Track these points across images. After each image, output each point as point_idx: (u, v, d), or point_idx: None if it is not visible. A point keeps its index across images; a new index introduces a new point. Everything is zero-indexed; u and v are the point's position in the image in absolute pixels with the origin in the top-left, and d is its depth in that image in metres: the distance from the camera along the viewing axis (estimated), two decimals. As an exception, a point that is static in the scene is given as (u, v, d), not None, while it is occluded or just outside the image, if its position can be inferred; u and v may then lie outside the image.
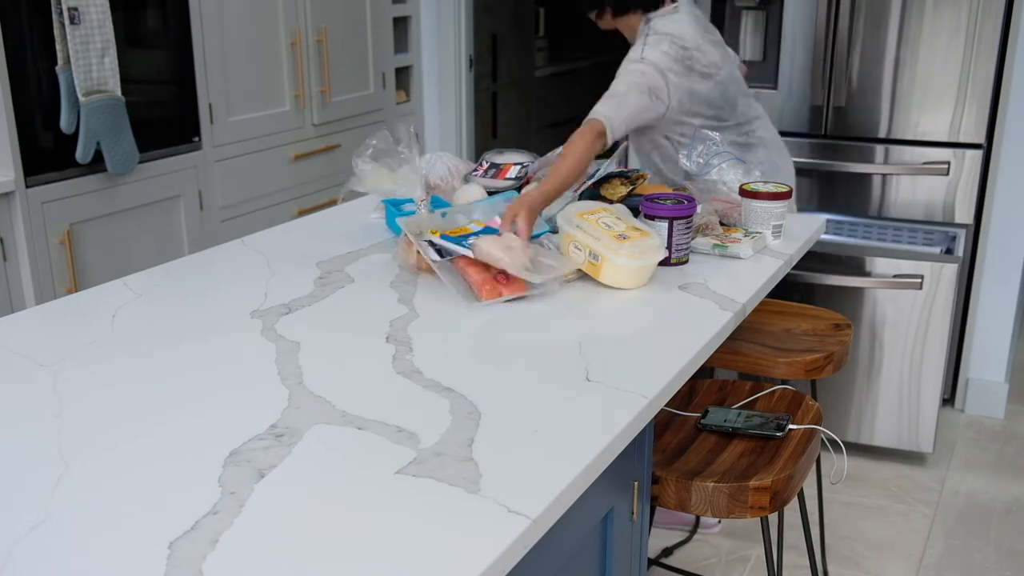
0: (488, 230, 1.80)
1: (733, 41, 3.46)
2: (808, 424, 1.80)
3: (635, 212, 1.99)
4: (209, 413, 1.24)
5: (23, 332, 1.53)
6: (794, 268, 3.00)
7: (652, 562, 2.60)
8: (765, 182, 2.03)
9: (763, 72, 3.41)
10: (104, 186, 2.96)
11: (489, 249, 1.65)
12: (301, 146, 3.75)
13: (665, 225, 1.83)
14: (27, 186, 2.74)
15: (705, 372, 2.71)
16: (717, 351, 2.16)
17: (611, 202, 2.01)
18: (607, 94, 2.25)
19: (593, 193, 2.04)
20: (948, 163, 3.19)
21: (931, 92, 3.18)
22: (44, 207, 2.79)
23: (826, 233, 3.33)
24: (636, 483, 1.44)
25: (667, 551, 2.67)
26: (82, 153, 2.82)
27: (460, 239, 1.75)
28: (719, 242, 1.91)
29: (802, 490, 2.34)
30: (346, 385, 1.32)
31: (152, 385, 1.33)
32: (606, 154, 2.23)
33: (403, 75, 4.42)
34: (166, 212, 3.21)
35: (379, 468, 1.10)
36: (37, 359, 1.42)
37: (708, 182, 2.10)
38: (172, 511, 1.02)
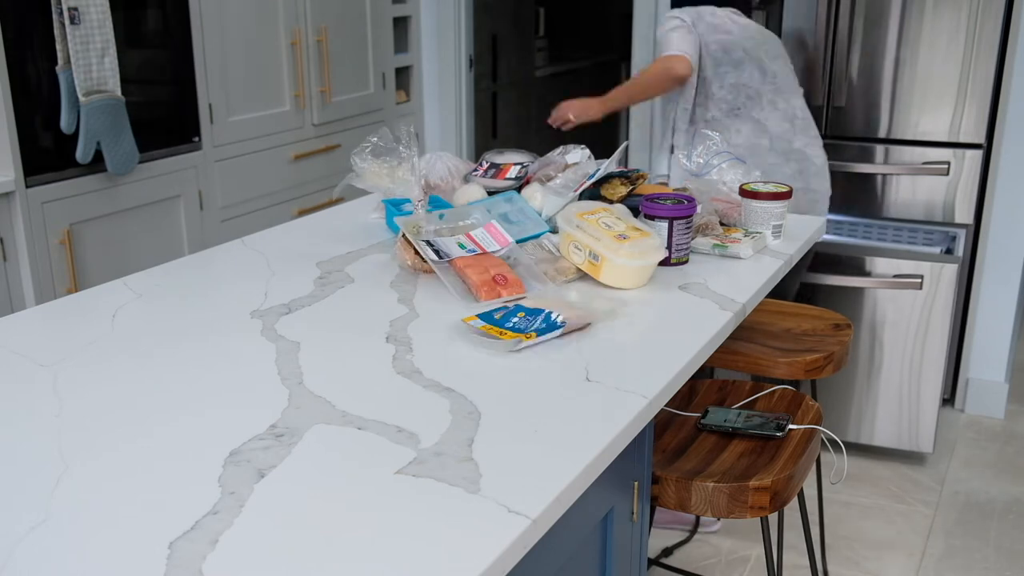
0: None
1: (733, 41, 3.46)
2: (808, 424, 1.80)
3: (635, 212, 1.99)
4: (209, 413, 1.24)
5: (23, 332, 1.53)
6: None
7: (652, 562, 2.60)
8: (765, 182, 2.04)
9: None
10: (104, 186, 2.96)
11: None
12: (301, 146, 3.75)
13: (665, 225, 1.83)
14: (27, 186, 2.74)
15: (705, 372, 2.71)
16: (717, 351, 2.16)
17: (611, 202, 2.01)
18: (660, 54, 2.76)
19: (593, 193, 2.04)
20: (948, 163, 3.19)
21: (931, 92, 3.18)
22: (44, 207, 2.79)
23: (826, 233, 3.33)
24: (636, 483, 1.44)
25: (667, 551, 2.67)
26: (82, 153, 2.82)
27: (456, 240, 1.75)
28: (719, 242, 1.91)
29: (802, 490, 2.34)
30: (346, 385, 1.32)
31: (152, 385, 1.33)
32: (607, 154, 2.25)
33: (403, 75, 4.42)
34: (166, 212, 3.21)
35: (379, 468, 1.10)
36: (37, 359, 1.42)
37: (708, 182, 2.10)
38: (172, 511, 1.02)
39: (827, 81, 3.29)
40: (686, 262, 1.87)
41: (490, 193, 2.05)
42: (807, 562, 2.63)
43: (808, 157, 2.77)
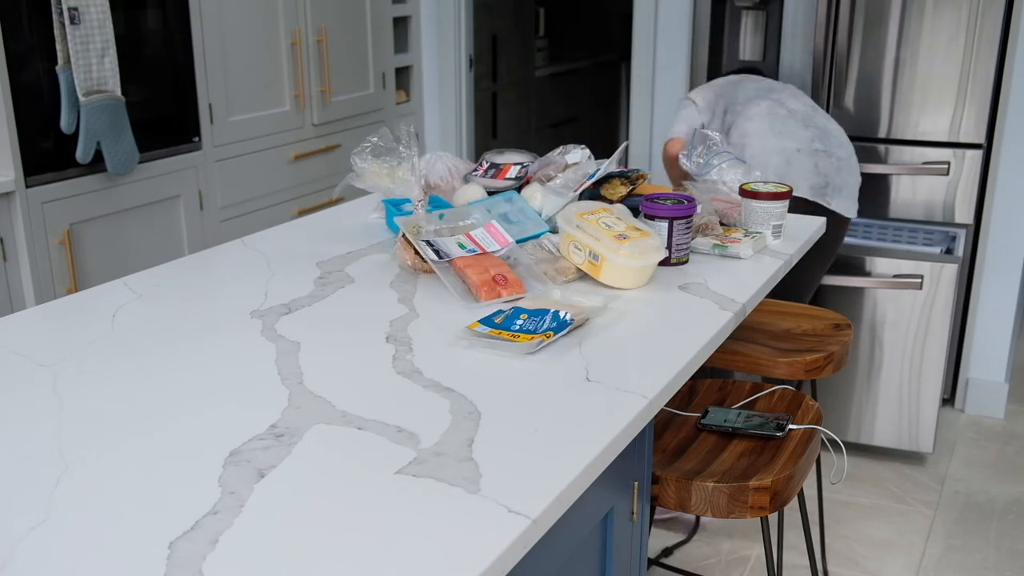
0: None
1: (733, 41, 3.47)
2: (808, 424, 1.80)
3: (635, 212, 1.99)
4: (209, 413, 1.24)
5: (23, 332, 1.53)
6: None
7: (652, 562, 2.60)
8: (765, 182, 2.03)
9: (763, 72, 3.41)
10: (104, 186, 2.96)
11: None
12: (301, 146, 3.75)
13: (665, 225, 1.82)
14: (27, 186, 2.74)
15: (705, 372, 2.71)
16: (717, 351, 2.16)
17: (611, 202, 2.01)
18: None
19: (593, 193, 2.04)
20: (948, 163, 3.19)
21: (931, 92, 3.18)
22: (44, 207, 2.79)
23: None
24: (636, 483, 1.44)
25: (667, 551, 2.67)
26: (82, 153, 2.82)
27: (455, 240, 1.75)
28: (719, 242, 1.91)
29: (802, 490, 2.34)
30: (346, 385, 1.32)
31: (152, 385, 1.33)
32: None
33: (403, 75, 4.42)
34: (166, 212, 3.21)
35: (379, 468, 1.10)
36: (37, 359, 1.42)
37: (708, 182, 2.10)
38: (172, 511, 1.02)
39: (827, 81, 3.29)
40: (686, 262, 1.87)
41: (490, 193, 2.05)
42: (807, 562, 2.63)
43: (830, 131, 2.76)
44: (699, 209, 1.99)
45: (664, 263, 1.84)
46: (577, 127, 6.76)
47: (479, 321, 1.51)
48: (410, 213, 1.99)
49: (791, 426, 1.77)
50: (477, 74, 5.44)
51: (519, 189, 2.07)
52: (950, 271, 2.90)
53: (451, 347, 1.45)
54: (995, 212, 3.27)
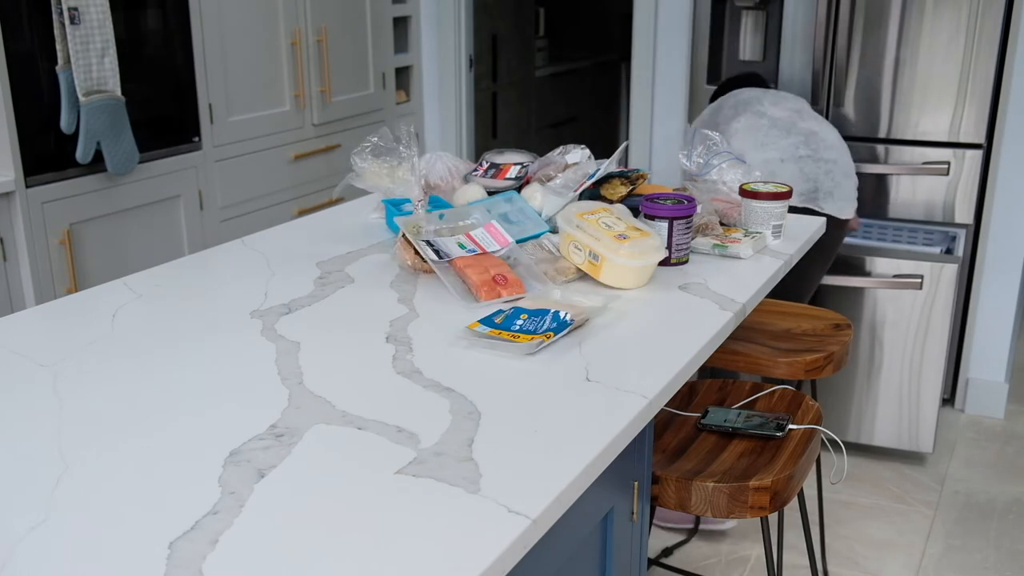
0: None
1: (733, 41, 3.47)
2: (808, 424, 1.80)
3: (635, 212, 1.99)
4: (209, 413, 1.24)
5: (23, 332, 1.53)
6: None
7: (652, 562, 2.60)
8: (765, 182, 2.03)
9: (763, 72, 3.41)
10: (104, 186, 2.96)
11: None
12: (301, 146, 3.75)
13: (665, 225, 1.82)
14: (27, 186, 2.74)
15: (705, 372, 2.71)
16: (717, 351, 2.16)
17: (611, 202, 2.01)
18: None
19: (593, 193, 2.04)
20: (948, 163, 3.19)
21: (931, 92, 3.18)
22: (44, 207, 2.79)
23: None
24: (636, 483, 1.44)
25: (667, 551, 2.67)
26: (82, 153, 2.82)
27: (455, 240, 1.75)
28: (719, 242, 1.91)
29: (802, 490, 2.34)
30: (346, 385, 1.32)
31: (152, 385, 1.33)
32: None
33: (403, 75, 4.42)
34: (166, 212, 3.21)
35: (379, 468, 1.10)
36: (37, 359, 1.42)
37: (708, 182, 2.10)
38: (172, 511, 1.02)
39: (827, 81, 3.29)
40: (686, 262, 1.87)
41: (490, 193, 2.05)
42: (807, 562, 2.63)
43: (816, 134, 2.73)
44: (699, 209, 1.99)
45: (664, 263, 1.84)
46: (577, 127, 6.76)
47: (479, 321, 1.51)
48: (410, 213, 1.99)
49: (791, 426, 1.77)
50: (477, 74, 5.44)
51: (519, 189, 2.07)
52: (950, 271, 2.90)
53: (451, 347, 1.45)
54: (995, 212, 3.27)
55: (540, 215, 1.97)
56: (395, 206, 2.07)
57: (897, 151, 3.25)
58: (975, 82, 3.12)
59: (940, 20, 3.11)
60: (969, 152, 3.17)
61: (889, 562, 2.62)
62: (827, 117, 3.33)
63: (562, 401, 1.27)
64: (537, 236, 1.89)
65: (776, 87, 3.39)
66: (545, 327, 1.48)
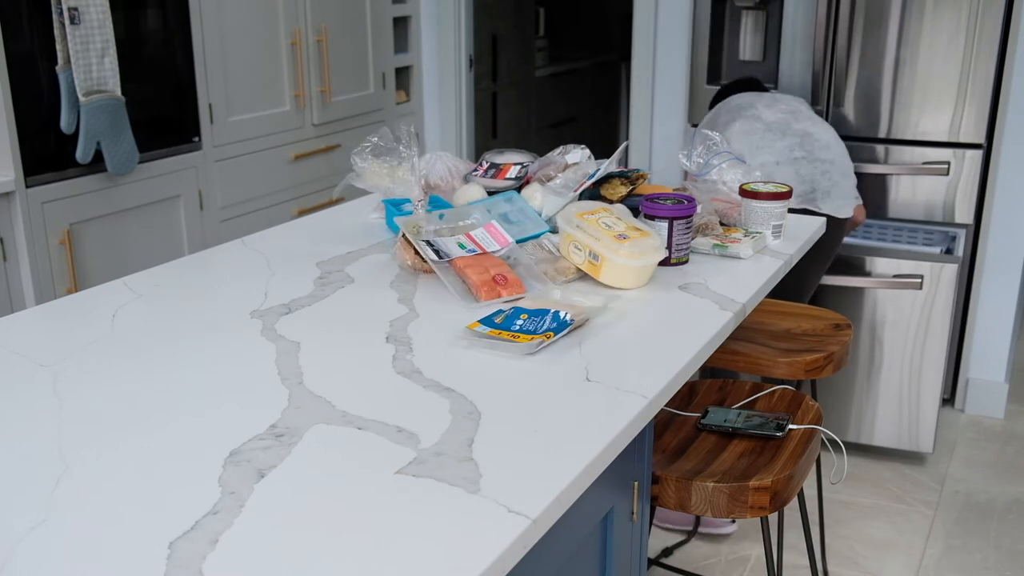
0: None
1: (733, 41, 3.47)
2: (808, 424, 1.80)
3: (635, 212, 1.99)
4: (209, 413, 1.24)
5: (23, 332, 1.53)
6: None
7: (652, 562, 2.60)
8: (765, 182, 2.03)
9: (763, 72, 3.41)
10: (104, 186, 2.96)
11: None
12: (301, 146, 3.75)
13: (665, 225, 1.82)
14: (27, 186, 2.74)
15: (705, 372, 2.71)
16: (717, 351, 2.16)
17: (611, 202, 2.01)
18: None
19: (593, 193, 2.04)
20: (948, 163, 3.19)
21: (931, 92, 3.18)
22: (44, 207, 2.79)
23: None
24: (636, 483, 1.44)
25: (667, 551, 2.67)
26: (82, 153, 2.82)
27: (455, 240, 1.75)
28: (719, 242, 1.91)
29: (802, 490, 2.34)
30: (346, 385, 1.32)
31: (152, 385, 1.33)
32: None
33: (403, 75, 4.42)
34: (166, 212, 3.21)
35: (379, 468, 1.10)
36: (37, 359, 1.42)
37: (708, 182, 2.10)
38: (172, 511, 1.02)
39: (827, 81, 3.29)
40: (686, 262, 1.87)
41: (490, 193, 2.05)
42: (807, 562, 2.63)
43: (811, 135, 2.73)
44: (699, 209, 1.99)
45: (664, 263, 1.84)
46: (577, 127, 6.76)
47: (479, 321, 1.51)
48: (410, 213, 1.99)
49: (791, 426, 1.77)
50: (477, 74, 5.44)
51: (519, 189, 2.07)
52: (950, 271, 2.90)
53: (451, 347, 1.45)
54: (995, 212, 3.27)
55: (540, 215, 1.97)
56: (395, 206, 2.07)
57: (897, 151, 3.25)
58: (975, 82, 3.12)
59: (940, 20, 3.11)
60: (969, 152, 3.17)
61: (889, 562, 2.62)
62: (827, 117, 3.33)
63: (562, 401, 1.27)
64: (537, 236, 1.89)
65: (776, 88, 3.39)
66: (545, 327, 1.48)
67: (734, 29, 3.43)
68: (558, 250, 1.80)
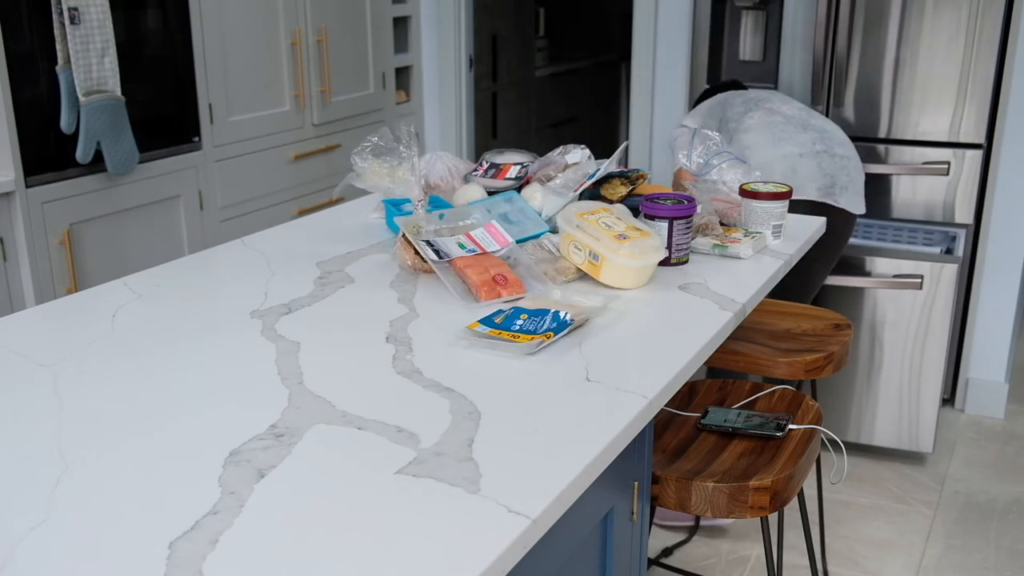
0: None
1: (733, 41, 3.46)
2: (808, 424, 1.80)
3: (635, 212, 1.99)
4: (209, 413, 1.24)
5: (23, 332, 1.53)
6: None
7: (652, 562, 2.60)
8: (765, 182, 2.03)
9: (763, 72, 3.41)
10: (104, 186, 2.96)
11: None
12: (301, 146, 3.75)
13: (665, 225, 1.83)
14: (27, 186, 2.74)
15: (705, 372, 2.71)
16: (717, 351, 2.16)
17: (611, 202, 2.01)
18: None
19: (593, 193, 2.04)
20: (948, 163, 3.19)
21: (931, 92, 3.18)
22: (44, 207, 2.79)
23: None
24: (636, 483, 1.44)
25: (667, 551, 2.67)
26: (82, 153, 2.82)
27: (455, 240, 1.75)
28: (719, 242, 1.91)
29: (802, 490, 2.35)
30: (346, 385, 1.32)
31: (152, 385, 1.33)
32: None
33: (403, 75, 4.42)
34: (166, 212, 3.21)
35: (379, 468, 1.10)
36: (37, 359, 1.42)
37: (708, 182, 2.10)
38: (172, 511, 1.02)
39: (827, 81, 3.29)
40: (686, 262, 1.87)
41: (490, 193, 2.05)
42: (807, 562, 2.63)
43: (826, 129, 2.76)
44: (699, 209, 1.99)
45: (664, 263, 1.84)
46: (577, 127, 6.76)
47: (479, 321, 1.51)
48: (410, 213, 1.99)
49: (791, 426, 1.77)
50: (477, 74, 5.44)
51: (519, 189, 2.07)
52: (950, 271, 2.90)
53: (451, 347, 1.45)
54: (995, 212, 3.27)
55: (540, 215, 1.97)
56: (395, 206, 2.07)
57: (897, 151, 3.25)
58: (975, 82, 3.12)
59: (940, 20, 3.11)
60: (969, 152, 3.17)
61: (889, 562, 2.62)
62: (827, 117, 3.33)
63: (562, 401, 1.27)
64: (537, 236, 1.89)
65: (776, 88, 3.39)
66: (545, 327, 1.48)
67: (734, 29, 3.43)
68: (558, 250, 1.80)
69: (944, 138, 3.20)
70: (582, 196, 2.01)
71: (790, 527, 2.78)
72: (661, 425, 1.82)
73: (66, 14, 2.70)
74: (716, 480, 1.59)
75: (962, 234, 3.25)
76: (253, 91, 3.48)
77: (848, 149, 2.77)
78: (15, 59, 2.67)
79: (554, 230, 1.94)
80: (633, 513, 1.44)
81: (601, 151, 6.85)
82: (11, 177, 2.69)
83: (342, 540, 0.97)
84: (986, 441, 3.27)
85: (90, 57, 2.78)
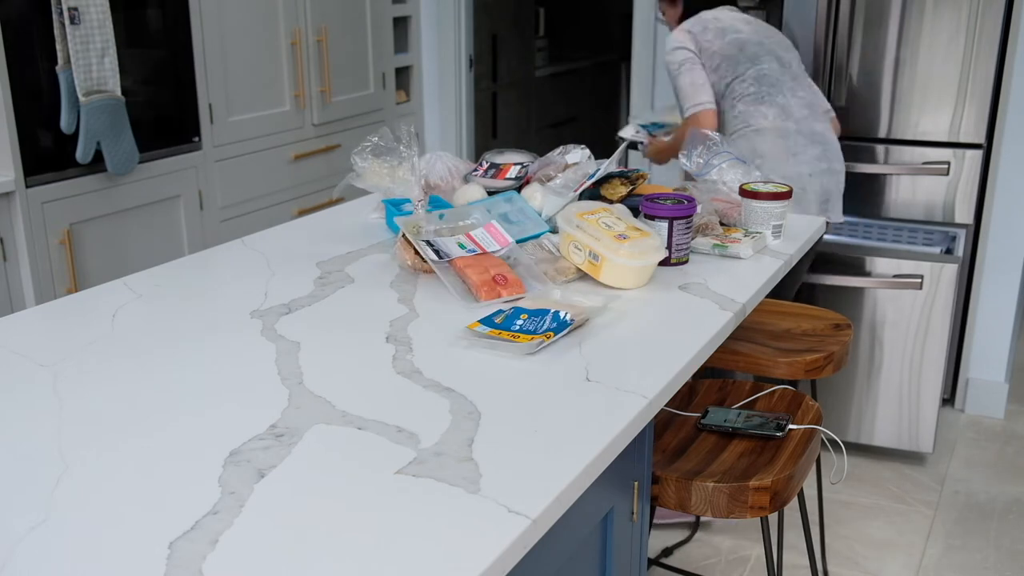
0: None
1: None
2: (808, 424, 1.80)
3: (635, 212, 1.99)
4: (209, 413, 1.24)
5: (23, 332, 1.53)
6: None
7: (652, 562, 2.60)
8: (765, 182, 2.04)
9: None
10: (104, 186, 2.96)
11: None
12: (301, 146, 3.75)
13: (665, 225, 1.83)
14: (27, 186, 2.74)
15: (705, 372, 2.71)
16: (717, 351, 2.16)
17: (611, 202, 2.01)
18: (679, 96, 2.85)
19: (593, 193, 2.04)
20: (948, 163, 3.19)
21: (931, 92, 3.18)
22: (44, 207, 2.79)
23: (826, 233, 3.33)
24: (636, 483, 1.44)
25: (667, 551, 2.67)
26: (82, 153, 2.82)
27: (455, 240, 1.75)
28: (719, 242, 1.91)
29: (802, 490, 2.35)
30: (346, 385, 1.32)
31: (152, 385, 1.33)
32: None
33: (403, 75, 4.42)
34: (166, 212, 3.21)
35: (379, 468, 1.10)
36: (37, 359, 1.42)
37: (708, 182, 2.10)
38: (172, 511, 1.02)
39: (827, 81, 3.29)
40: (686, 262, 1.87)
41: (490, 193, 2.05)
42: (807, 562, 2.63)
43: (828, 140, 2.79)
44: (699, 209, 1.99)
45: (664, 263, 1.84)
46: (577, 127, 6.76)
47: (479, 321, 1.51)
48: (410, 213, 1.99)
49: (791, 426, 1.77)
50: (477, 74, 5.44)
51: (519, 189, 2.07)
52: (950, 271, 2.90)
53: (451, 347, 1.45)
54: (995, 212, 3.27)
55: (540, 215, 1.97)
56: (395, 206, 2.07)
57: (897, 151, 3.25)
58: (975, 82, 3.12)
59: (940, 20, 3.11)
60: (969, 152, 3.17)
61: (889, 562, 2.62)
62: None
63: (562, 401, 1.27)
64: (537, 236, 1.89)
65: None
66: (545, 327, 1.48)
67: (734, 29, 3.43)
68: (558, 250, 1.80)
69: (944, 138, 3.20)
70: (582, 196, 2.01)
71: (790, 527, 2.78)
72: (661, 425, 1.82)
73: (66, 14, 2.70)
74: (716, 480, 1.59)
75: (962, 234, 3.25)
76: (253, 91, 3.48)
77: (841, 164, 2.82)
78: (15, 59, 2.67)
79: (554, 230, 1.94)
80: (633, 513, 1.44)
81: (601, 151, 6.86)
82: (11, 177, 2.69)
83: (342, 540, 0.97)
84: (986, 441, 3.27)
85: (90, 57, 2.78)
